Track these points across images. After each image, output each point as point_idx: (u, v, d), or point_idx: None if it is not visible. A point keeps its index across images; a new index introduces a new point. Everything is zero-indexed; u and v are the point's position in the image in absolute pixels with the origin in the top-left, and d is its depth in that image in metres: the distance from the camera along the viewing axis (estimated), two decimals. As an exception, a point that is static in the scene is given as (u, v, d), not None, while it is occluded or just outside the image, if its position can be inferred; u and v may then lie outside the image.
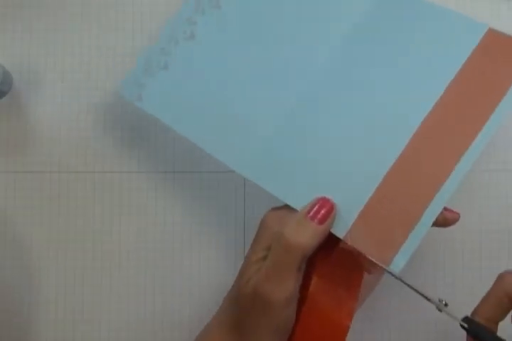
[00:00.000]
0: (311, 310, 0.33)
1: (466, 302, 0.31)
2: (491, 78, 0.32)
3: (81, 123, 0.46)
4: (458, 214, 0.35)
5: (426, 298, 0.32)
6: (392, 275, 0.32)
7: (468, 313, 0.32)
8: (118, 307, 0.44)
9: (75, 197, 0.45)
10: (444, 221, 0.34)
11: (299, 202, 0.34)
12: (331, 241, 0.33)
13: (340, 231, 0.33)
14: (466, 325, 0.31)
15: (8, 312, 0.44)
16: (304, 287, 0.33)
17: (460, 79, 0.33)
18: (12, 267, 0.45)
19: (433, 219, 0.32)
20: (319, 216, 0.32)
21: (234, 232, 0.45)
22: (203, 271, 0.45)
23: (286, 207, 0.35)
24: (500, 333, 0.31)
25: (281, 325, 0.32)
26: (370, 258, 0.32)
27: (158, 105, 0.39)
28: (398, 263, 0.32)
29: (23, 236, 0.45)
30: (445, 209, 0.34)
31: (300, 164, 0.35)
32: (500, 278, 0.32)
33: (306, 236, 0.32)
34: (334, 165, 0.34)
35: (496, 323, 0.31)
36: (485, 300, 0.32)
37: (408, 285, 0.32)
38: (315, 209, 0.33)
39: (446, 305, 0.32)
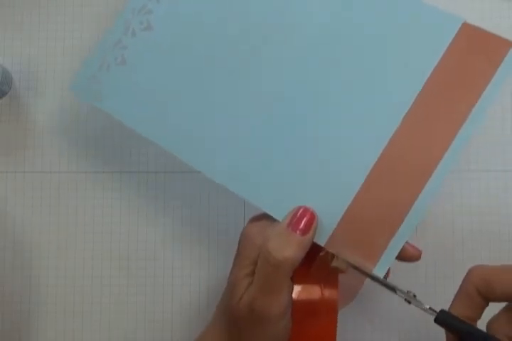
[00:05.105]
0: (298, 315, 0.33)
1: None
2: (468, 74, 0.32)
3: (81, 123, 0.46)
4: (420, 251, 0.34)
5: (394, 290, 0.32)
6: (357, 269, 0.32)
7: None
8: (117, 307, 0.44)
9: (75, 197, 0.45)
10: (406, 256, 0.33)
11: (279, 210, 0.33)
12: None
13: (321, 239, 0.33)
14: (433, 314, 0.30)
15: (8, 313, 0.44)
16: None
17: (436, 77, 0.32)
18: (12, 267, 0.45)
19: (415, 223, 0.31)
20: (301, 226, 0.32)
21: (234, 234, 0.45)
22: (202, 273, 0.45)
23: (266, 217, 0.34)
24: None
25: (280, 335, 0.32)
26: (353, 264, 0.32)
27: (120, 105, 0.37)
28: (382, 268, 0.32)
29: (23, 236, 0.45)
30: (408, 244, 0.33)
31: (278, 172, 0.34)
32: (469, 271, 0.31)
33: (291, 249, 0.31)
34: (312, 173, 0.34)
35: (473, 321, 0.30)
36: (456, 295, 0.31)
37: (373, 278, 0.32)
38: (296, 219, 0.32)
39: (414, 296, 0.32)
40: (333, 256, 0.33)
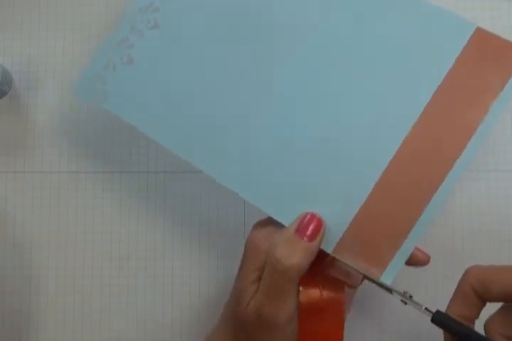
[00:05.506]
0: (305, 317, 0.33)
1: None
2: (481, 79, 0.32)
3: (81, 123, 0.46)
4: (429, 256, 0.34)
5: (390, 290, 0.32)
6: (355, 268, 0.32)
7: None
8: (117, 307, 0.44)
9: (75, 197, 0.45)
10: (415, 261, 0.33)
11: (286, 216, 0.33)
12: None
13: (328, 246, 0.33)
14: (430, 314, 0.30)
15: (8, 313, 0.44)
16: None
17: (449, 82, 0.32)
18: (12, 267, 0.45)
19: (423, 231, 0.31)
20: (308, 233, 0.32)
21: (234, 234, 0.45)
22: (202, 273, 0.45)
23: (272, 222, 0.34)
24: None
25: (288, 340, 0.32)
26: (360, 271, 0.32)
27: (126, 105, 0.36)
28: (389, 276, 0.31)
29: (23, 236, 0.45)
30: (417, 249, 0.33)
31: (285, 177, 0.34)
32: (465, 271, 0.31)
33: (298, 256, 0.31)
34: (319, 179, 0.33)
35: (470, 321, 0.30)
36: (453, 295, 0.31)
37: (369, 279, 0.32)
38: (303, 225, 0.32)
39: (410, 297, 0.31)
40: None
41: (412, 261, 0.33)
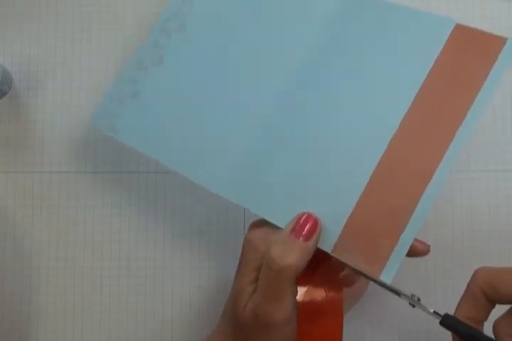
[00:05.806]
0: (303, 317, 0.33)
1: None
2: (464, 74, 0.32)
3: (81, 123, 0.46)
4: (428, 246, 0.34)
5: (398, 293, 0.32)
6: (362, 273, 0.32)
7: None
8: (117, 307, 0.44)
9: (74, 197, 0.45)
10: (415, 252, 0.33)
11: (281, 218, 0.33)
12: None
13: (327, 246, 0.33)
14: (438, 317, 0.30)
15: (8, 313, 0.44)
16: None
17: (432, 78, 0.33)
18: (12, 267, 0.45)
19: (418, 227, 0.31)
20: (304, 232, 0.32)
21: (234, 234, 0.45)
22: (202, 273, 0.45)
23: (268, 223, 0.34)
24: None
25: (286, 339, 0.32)
26: (359, 270, 0.32)
27: (134, 135, 0.38)
28: (388, 274, 0.31)
29: (23, 236, 0.45)
30: (416, 240, 0.33)
31: (279, 179, 0.34)
32: (474, 273, 0.30)
33: (294, 255, 0.31)
34: (313, 179, 0.34)
35: (479, 323, 0.30)
36: (462, 296, 0.31)
37: (378, 282, 0.32)
38: (299, 225, 0.32)
39: (418, 300, 0.31)
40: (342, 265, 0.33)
41: (412, 253, 0.33)
